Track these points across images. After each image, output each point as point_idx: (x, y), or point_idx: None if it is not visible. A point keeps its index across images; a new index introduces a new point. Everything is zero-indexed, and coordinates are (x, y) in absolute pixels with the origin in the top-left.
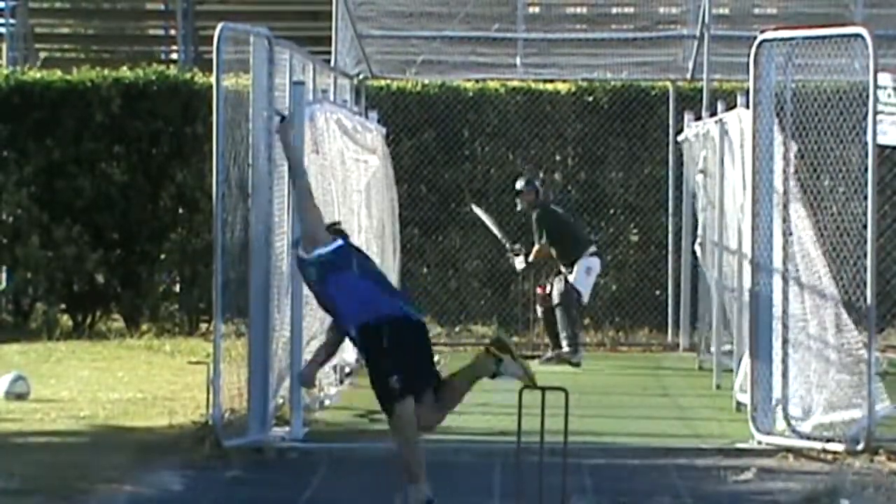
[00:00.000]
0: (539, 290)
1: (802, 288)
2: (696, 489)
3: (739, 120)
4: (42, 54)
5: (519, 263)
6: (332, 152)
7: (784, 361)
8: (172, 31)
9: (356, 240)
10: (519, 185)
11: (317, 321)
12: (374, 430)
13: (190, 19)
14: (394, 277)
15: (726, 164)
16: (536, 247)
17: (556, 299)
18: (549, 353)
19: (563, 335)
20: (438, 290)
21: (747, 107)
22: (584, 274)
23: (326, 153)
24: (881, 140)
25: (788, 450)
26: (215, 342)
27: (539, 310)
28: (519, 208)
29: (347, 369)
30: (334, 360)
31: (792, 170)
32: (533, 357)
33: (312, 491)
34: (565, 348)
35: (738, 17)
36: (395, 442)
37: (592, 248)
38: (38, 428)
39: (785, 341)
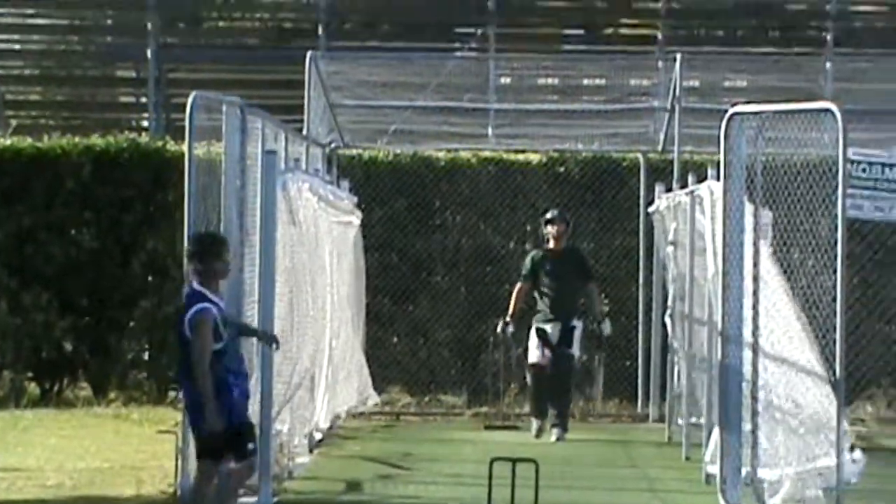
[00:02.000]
0: (539, 361)
1: (772, 360)
2: None
3: (710, 192)
4: (13, 121)
5: (606, 329)
6: (306, 221)
7: (753, 433)
8: (144, 99)
9: (330, 305)
10: (551, 214)
11: (285, 388)
12: (344, 501)
13: (162, 87)
14: (359, 344)
15: (696, 236)
16: (595, 293)
17: (566, 373)
18: (557, 432)
19: (568, 411)
20: (408, 359)
21: (718, 179)
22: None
23: (301, 222)
24: (856, 214)
25: None
26: (184, 411)
27: (530, 378)
28: (546, 240)
29: (318, 437)
30: (306, 429)
31: (769, 237)
32: (511, 427)
33: None
34: (562, 428)
35: (708, 90)
36: None
37: None
38: (5, 497)
39: (754, 413)
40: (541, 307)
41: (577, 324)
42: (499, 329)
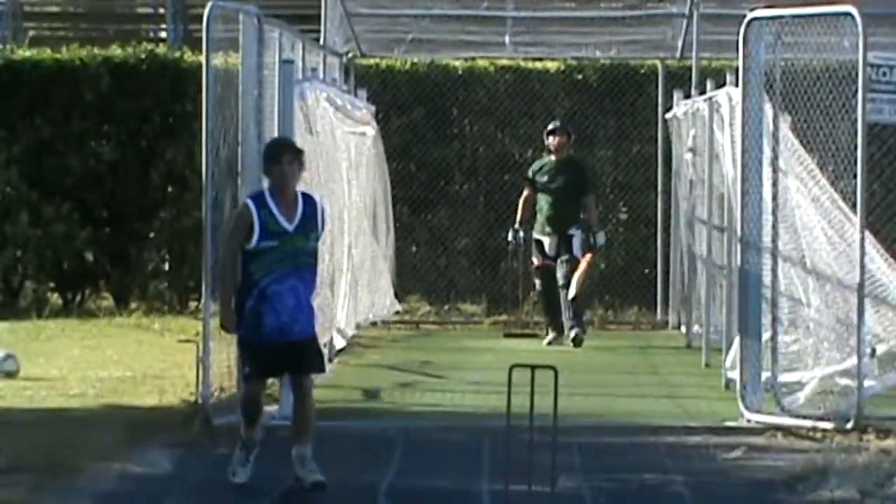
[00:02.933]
0: (539, 263)
1: (793, 264)
2: (685, 467)
3: (729, 98)
4: (31, 32)
5: (600, 240)
6: (323, 130)
7: (773, 339)
8: (161, 10)
9: (347, 217)
10: (553, 125)
11: None
12: (364, 409)
13: None
14: (387, 255)
15: (715, 142)
16: (593, 204)
17: (576, 287)
18: (575, 332)
19: (583, 315)
20: (427, 268)
21: (736, 85)
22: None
23: (318, 132)
24: (876, 118)
25: (777, 428)
26: (204, 320)
27: (538, 282)
28: (549, 151)
29: (338, 347)
30: (324, 338)
31: (790, 139)
32: (530, 335)
33: None
34: (578, 328)
35: None
36: None
37: None
38: (28, 406)
39: (774, 319)
40: (538, 218)
41: (576, 232)
42: (510, 237)
